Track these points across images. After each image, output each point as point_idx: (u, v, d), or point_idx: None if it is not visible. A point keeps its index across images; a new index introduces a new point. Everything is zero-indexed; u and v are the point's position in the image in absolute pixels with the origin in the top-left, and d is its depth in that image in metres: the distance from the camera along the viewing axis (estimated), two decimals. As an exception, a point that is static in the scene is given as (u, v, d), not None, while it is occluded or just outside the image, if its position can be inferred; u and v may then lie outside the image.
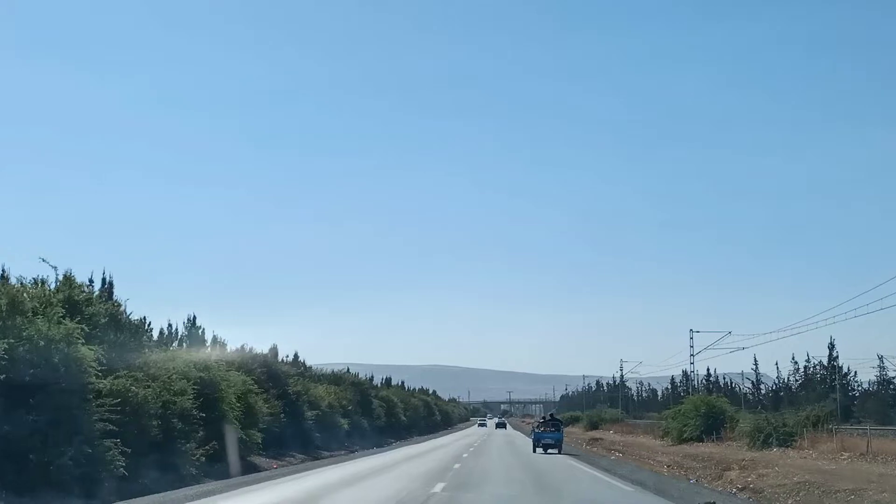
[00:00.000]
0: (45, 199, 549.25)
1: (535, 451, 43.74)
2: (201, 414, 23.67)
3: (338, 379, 58.33)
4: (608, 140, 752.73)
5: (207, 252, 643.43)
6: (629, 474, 26.48)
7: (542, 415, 61.96)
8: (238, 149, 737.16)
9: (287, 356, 56.67)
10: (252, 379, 32.34)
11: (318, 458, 38.37)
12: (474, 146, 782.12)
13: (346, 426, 50.25)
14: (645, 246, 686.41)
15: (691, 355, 57.93)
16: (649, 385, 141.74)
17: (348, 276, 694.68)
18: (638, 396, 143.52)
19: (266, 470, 29.97)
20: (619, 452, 42.11)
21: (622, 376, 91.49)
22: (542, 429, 48.29)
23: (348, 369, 79.12)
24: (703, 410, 41.93)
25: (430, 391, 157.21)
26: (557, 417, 54.87)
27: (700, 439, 40.08)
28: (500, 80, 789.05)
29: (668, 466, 29.72)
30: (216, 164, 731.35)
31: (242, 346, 41.99)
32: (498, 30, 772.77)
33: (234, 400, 28.21)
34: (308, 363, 59.77)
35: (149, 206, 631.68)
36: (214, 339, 42.45)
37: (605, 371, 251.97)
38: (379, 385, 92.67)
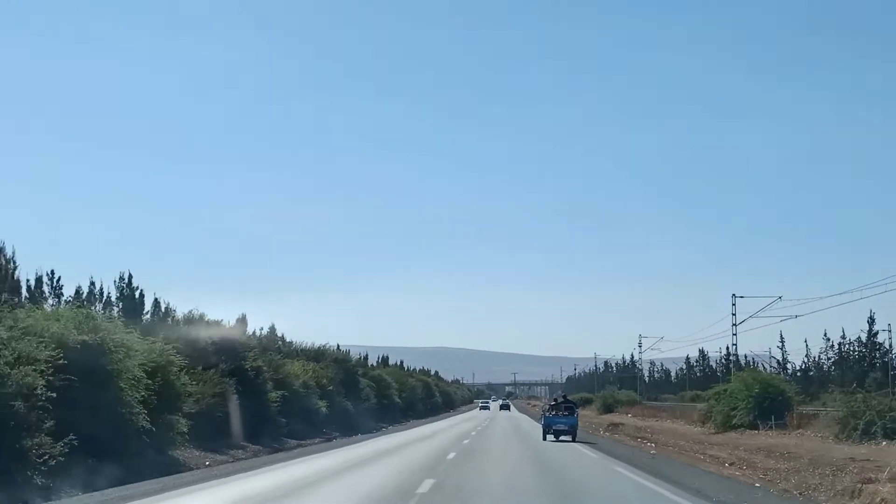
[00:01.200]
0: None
1: (545, 438, 37.77)
2: (51, 394, 15.60)
3: (318, 355, 50.36)
4: (609, 118, 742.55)
5: (209, 233, 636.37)
6: (686, 478, 18.53)
7: (553, 396, 53.67)
8: (246, 130, 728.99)
9: (262, 329, 48.90)
10: (174, 348, 24.27)
11: (278, 451, 30.44)
12: (472, 130, 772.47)
13: (324, 409, 42.38)
14: (649, 225, 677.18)
15: (733, 324, 49.00)
16: (662, 365, 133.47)
17: (351, 258, 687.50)
18: (650, 377, 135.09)
19: (193, 469, 22.13)
20: (650, 442, 34.09)
21: (640, 353, 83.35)
22: (553, 413, 40.72)
23: (349, 351, 71.77)
24: (755, 391, 33.75)
25: (433, 372, 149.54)
26: (570, 400, 47.02)
27: (753, 426, 32.16)
28: (502, 70, 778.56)
29: (731, 465, 21.66)
30: (220, 146, 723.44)
31: (190, 312, 34.12)
32: (487, 12, 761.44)
33: (138, 374, 20.29)
34: (290, 339, 52.09)
35: (143, 187, 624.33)
36: (157, 304, 34.64)
37: (612, 352, 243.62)
38: (375, 364, 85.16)
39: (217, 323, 33.91)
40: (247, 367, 32.52)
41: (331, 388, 45.64)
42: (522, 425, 55.93)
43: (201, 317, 34.62)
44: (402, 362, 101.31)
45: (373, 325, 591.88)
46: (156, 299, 34.22)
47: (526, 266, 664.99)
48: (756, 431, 31.07)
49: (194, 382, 25.84)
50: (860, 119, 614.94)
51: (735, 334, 48.02)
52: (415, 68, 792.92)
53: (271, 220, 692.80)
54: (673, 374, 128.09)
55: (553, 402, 44.67)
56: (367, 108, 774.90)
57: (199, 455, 24.67)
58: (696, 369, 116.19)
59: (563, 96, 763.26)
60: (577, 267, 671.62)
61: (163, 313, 34.23)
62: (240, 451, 27.63)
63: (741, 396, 34.11)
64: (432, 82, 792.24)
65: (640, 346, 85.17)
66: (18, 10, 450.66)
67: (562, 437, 37.43)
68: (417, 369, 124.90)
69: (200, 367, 29.06)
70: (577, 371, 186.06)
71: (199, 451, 25.38)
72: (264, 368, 33.97)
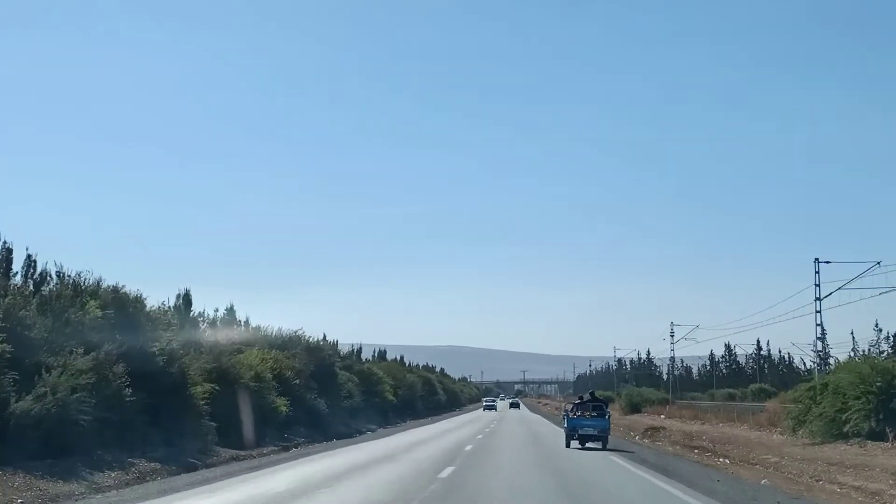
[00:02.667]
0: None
1: (568, 444, 31.09)
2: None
3: (288, 343, 40.50)
4: (620, 116, 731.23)
5: (224, 230, 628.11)
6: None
7: (579, 394, 43.91)
8: (260, 129, 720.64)
9: (216, 310, 39.05)
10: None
11: (191, 469, 20.57)
12: (487, 129, 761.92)
13: (284, 408, 32.64)
14: (660, 223, 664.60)
15: (817, 297, 38.23)
16: (682, 362, 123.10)
17: (362, 256, 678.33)
18: (670, 375, 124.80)
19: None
20: (719, 456, 24.05)
21: (672, 343, 72.71)
22: (578, 413, 32.29)
23: (360, 348, 62.51)
24: (876, 384, 23.50)
25: (438, 369, 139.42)
26: (600, 398, 37.47)
27: (876, 435, 22.24)
28: (518, 69, 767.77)
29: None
30: (235, 144, 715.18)
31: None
32: (503, 13, 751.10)
33: None
34: (254, 322, 42.23)
35: (162, 183, 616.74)
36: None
37: (621, 351, 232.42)
38: (371, 358, 75.27)
39: (117, 291, 23.80)
40: (153, 351, 22.71)
41: (297, 381, 35.86)
42: (538, 429, 46.10)
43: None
44: (402, 357, 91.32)
45: (382, 324, 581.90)
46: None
47: (536, 265, 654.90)
48: (886, 444, 21.18)
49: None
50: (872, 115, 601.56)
51: (819, 311, 37.04)
52: (433, 69, 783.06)
53: (282, 218, 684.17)
54: (695, 370, 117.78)
55: (578, 401, 34.78)
56: (383, 106, 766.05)
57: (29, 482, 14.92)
58: (722, 366, 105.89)
59: (578, 94, 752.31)
60: (588, 266, 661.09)
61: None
62: (109, 474, 17.74)
63: (855, 393, 23.95)
64: (450, 83, 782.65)
65: (672, 333, 74.56)
66: (17, 9, 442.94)
67: (588, 444, 30.77)
68: (421, 366, 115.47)
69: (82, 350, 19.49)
70: (592, 366, 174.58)
71: (36, 477, 15.66)
72: (179, 355, 24.07)
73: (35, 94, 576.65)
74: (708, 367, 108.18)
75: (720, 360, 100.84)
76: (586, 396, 36.80)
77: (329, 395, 40.62)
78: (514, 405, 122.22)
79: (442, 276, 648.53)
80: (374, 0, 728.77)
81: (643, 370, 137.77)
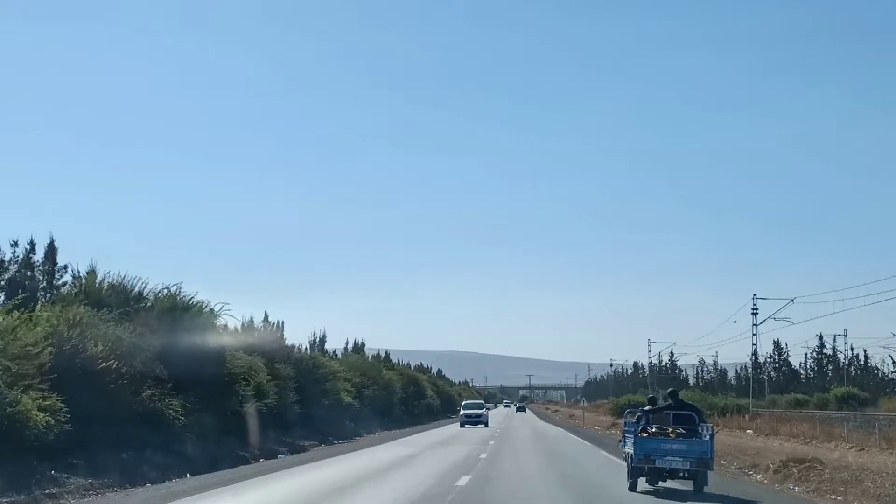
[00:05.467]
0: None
1: (634, 485, 17.01)
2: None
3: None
4: (626, 121, 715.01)
5: (223, 233, 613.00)
6: None
7: (649, 395, 25.39)
8: (262, 130, 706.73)
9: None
10: None
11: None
12: (491, 133, 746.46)
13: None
14: (666, 228, 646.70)
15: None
16: (716, 363, 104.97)
17: (364, 260, 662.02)
18: (699, 379, 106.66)
19: None
20: None
21: (755, 331, 54.41)
22: (653, 429, 17.58)
23: (323, 336, 46.19)
24: None
25: (434, 370, 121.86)
26: (687, 401, 20.91)
27: None
28: (523, 73, 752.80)
29: None
30: (236, 147, 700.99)
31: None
32: (510, 16, 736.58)
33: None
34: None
35: (165, 184, 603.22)
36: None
37: (624, 357, 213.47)
38: (346, 350, 57.88)
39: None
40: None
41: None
42: (561, 448, 28.56)
43: None
44: (387, 353, 73.42)
45: (384, 328, 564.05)
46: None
47: (542, 270, 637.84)
48: None
49: None
50: (876, 120, 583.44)
51: None
52: (439, 72, 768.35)
53: (283, 221, 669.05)
54: (731, 374, 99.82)
55: (649, 408, 18.98)
56: (388, 110, 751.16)
57: None
58: (770, 367, 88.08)
59: (583, 99, 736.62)
60: (594, 271, 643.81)
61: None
62: None
63: None
64: (456, 86, 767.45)
65: (755, 325, 56.13)
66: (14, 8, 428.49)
67: (669, 483, 17.28)
68: (414, 366, 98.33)
69: None
70: (613, 368, 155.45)
71: None
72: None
73: (34, 94, 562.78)
74: (749, 370, 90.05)
75: (768, 358, 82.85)
76: (663, 398, 20.05)
77: (220, 400, 23.19)
78: (521, 409, 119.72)
79: (446, 280, 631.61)
80: (379, 3, 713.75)
81: (665, 374, 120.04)
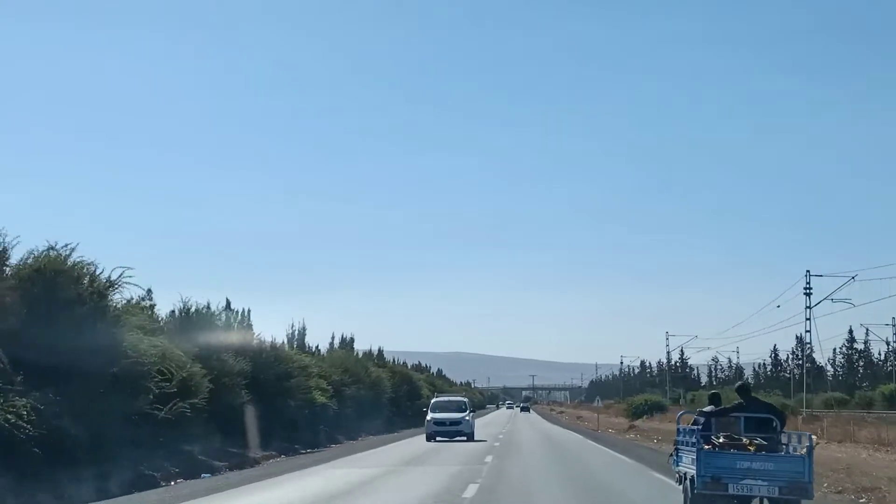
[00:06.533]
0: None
1: None
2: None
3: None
4: (630, 119, 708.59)
5: (223, 233, 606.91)
6: None
7: (711, 391, 18.52)
8: (263, 132, 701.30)
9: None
10: None
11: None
12: (493, 131, 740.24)
13: None
14: (669, 228, 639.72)
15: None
16: (734, 361, 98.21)
17: (365, 261, 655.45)
18: (713, 377, 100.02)
19: None
20: None
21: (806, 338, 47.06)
22: (720, 439, 12.12)
23: (302, 328, 40.36)
24: None
25: (434, 370, 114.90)
26: (764, 400, 14.75)
27: None
28: (525, 71, 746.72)
29: None
30: (236, 147, 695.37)
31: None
32: (511, 14, 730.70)
33: None
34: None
35: (172, 188, 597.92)
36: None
37: (628, 358, 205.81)
38: (331, 346, 51.06)
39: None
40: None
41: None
42: (601, 472, 21.53)
43: None
44: (380, 350, 66.45)
45: (385, 330, 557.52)
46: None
47: (542, 270, 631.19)
48: None
49: None
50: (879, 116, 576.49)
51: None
52: (439, 70, 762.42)
53: (279, 220, 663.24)
54: (749, 371, 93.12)
55: (711, 408, 13.78)
56: (387, 108, 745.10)
57: None
58: (792, 364, 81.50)
59: (586, 97, 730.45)
60: (595, 271, 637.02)
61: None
62: None
63: None
64: (456, 85, 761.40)
65: (809, 308, 48.76)
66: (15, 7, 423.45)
67: None
68: (411, 365, 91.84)
69: None
70: (620, 370, 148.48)
71: None
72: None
73: (34, 93, 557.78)
74: (770, 368, 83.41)
75: (792, 353, 76.08)
76: (723, 399, 14.71)
77: (122, 398, 16.63)
78: (525, 409, 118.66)
79: (447, 281, 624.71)
80: (379, 3, 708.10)
81: (676, 373, 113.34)
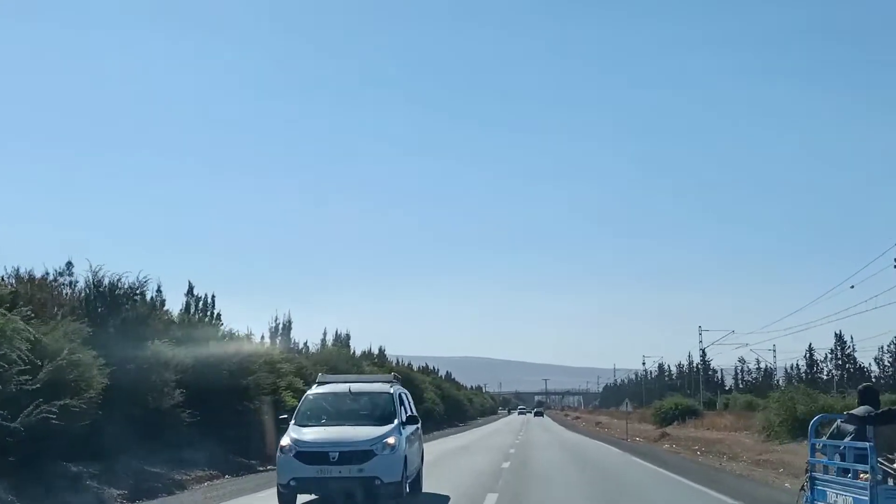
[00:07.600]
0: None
1: None
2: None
3: None
4: (636, 122, 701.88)
5: (225, 235, 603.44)
6: None
7: (861, 385, 11.04)
8: (266, 133, 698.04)
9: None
10: None
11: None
12: (502, 136, 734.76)
13: None
14: (679, 233, 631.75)
15: None
16: (761, 363, 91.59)
17: (376, 265, 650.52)
18: (739, 380, 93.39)
19: None
20: None
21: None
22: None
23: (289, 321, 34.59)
24: None
25: (441, 373, 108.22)
26: None
27: None
28: (529, 76, 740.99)
29: None
30: (237, 148, 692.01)
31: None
32: (512, 18, 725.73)
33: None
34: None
35: (177, 189, 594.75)
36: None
37: (637, 364, 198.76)
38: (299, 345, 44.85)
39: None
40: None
41: None
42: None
43: None
44: (381, 349, 60.59)
45: (396, 333, 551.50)
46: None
47: (555, 275, 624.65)
48: None
49: None
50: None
51: None
52: (446, 76, 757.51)
53: (292, 225, 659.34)
54: (779, 373, 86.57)
55: (865, 411, 8.28)
56: (393, 113, 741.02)
57: None
58: (828, 358, 75.17)
59: (592, 101, 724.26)
60: (608, 276, 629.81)
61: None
62: None
63: None
64: (464, 90, 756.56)
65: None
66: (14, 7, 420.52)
67: None
68: (418, 367, 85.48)
69: None
70: (638, 374, 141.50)
71: None
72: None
73: (34, 93, 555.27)
74: (805, 370, 76.83)
75: (832, 352, 69.72)
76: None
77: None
78: (539, 413, 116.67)
79: (459, 285, 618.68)
80: (386, 6, 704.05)
81: (696, 376, 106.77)
